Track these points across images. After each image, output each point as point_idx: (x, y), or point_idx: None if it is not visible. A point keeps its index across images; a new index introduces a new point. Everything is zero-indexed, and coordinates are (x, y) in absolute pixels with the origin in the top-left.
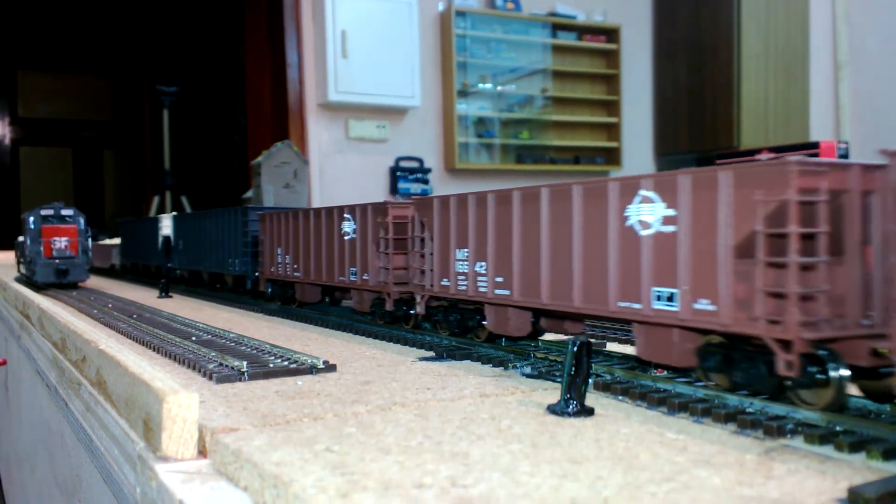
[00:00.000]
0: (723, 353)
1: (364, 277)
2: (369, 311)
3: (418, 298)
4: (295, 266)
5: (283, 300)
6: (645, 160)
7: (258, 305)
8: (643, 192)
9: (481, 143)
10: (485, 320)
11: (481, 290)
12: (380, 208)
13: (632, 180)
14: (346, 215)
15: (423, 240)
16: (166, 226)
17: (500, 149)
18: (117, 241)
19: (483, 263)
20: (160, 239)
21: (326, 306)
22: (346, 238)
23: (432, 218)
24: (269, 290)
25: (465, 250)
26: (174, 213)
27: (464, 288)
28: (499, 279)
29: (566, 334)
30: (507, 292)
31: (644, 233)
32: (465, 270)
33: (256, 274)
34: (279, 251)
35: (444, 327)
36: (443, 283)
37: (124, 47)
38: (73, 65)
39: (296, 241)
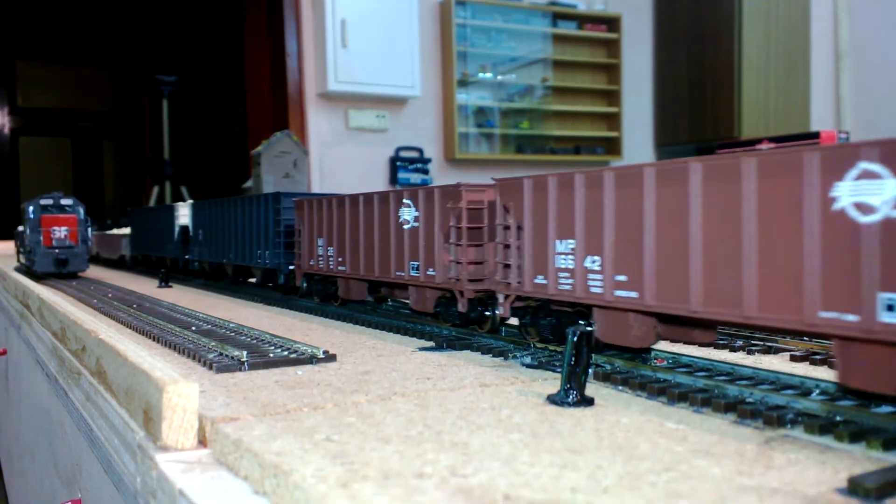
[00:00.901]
0: None
1: (429, 273)
2: (432, 312)
3: (501, 298)
4: (339, 259)
5: (322, 297)
6: (645, 150)
7: (289, 302)
8: (864, 165)
9: (481, 133)
10: (591, 325)
11: (594, 290)
12: (451, 192)
13: (844, 149)
14: (405, 201)
15: (507, 228)
16: (184, 214)
17: (501, 139)
18: (127, 231)
19: (596, 258)
20: (177, 229)
21: (372, 305)
22: (405, 227)
23: (521, 202)
24: (304, 285)
25: (570, 242)
26: (192, 200)
27: (567, 287)
28: (621, 278)
29: (691, 343)
30: (633, 294)
31: (865, 219)
32: (570, 266)
33: (290, 267)
34: (320, 242)
35: (534, 333)
36: (536, 280)
37: (123, 37)
38: (72, 55)
39: (341, 230)
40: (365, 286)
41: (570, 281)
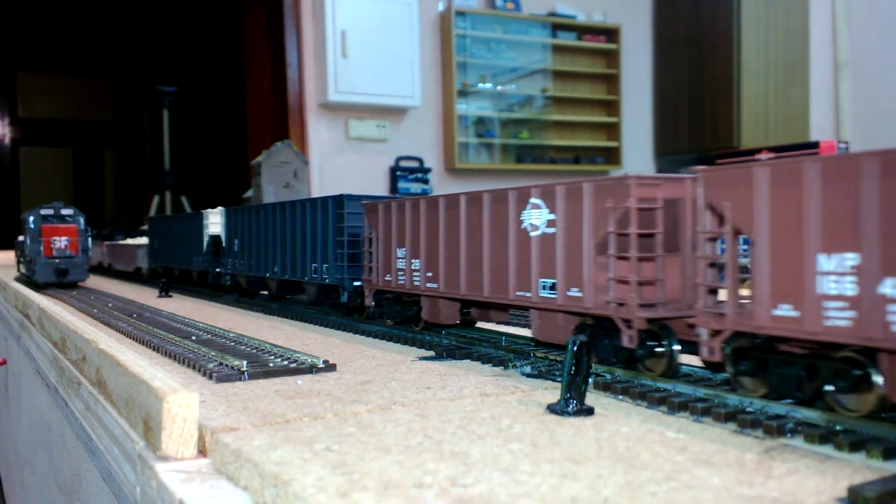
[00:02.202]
0: None
1: (571, 293)
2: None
3: (703, 334)
4: (429, 274)
5: (398, 320)
6: (645, 160)
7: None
8: None
9: (481, 143)
10: (880, 376)
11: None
12: (611, 188)
13: None
14: (534, 201)
15: (713, 240)
16: (215, 222)
17: (500, 149)
18: (143, 241)
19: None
20: (206, 238)
21: (458, 329)
22: (532, 234)
23: (750, 202)
24: (372, 305)
25: (848, 256)
26: (225, 207)
27: (842, 322)
28: None
29: None
30: None
31: None
32: (848, 292)
33: (356, 284)
34: (400, 253)
35: (768, 383)
36: (780, 312)
37: (124, 47)
38: (72, 65)
39: (431, 239)
40: (457, 307)
41: (847, 313)
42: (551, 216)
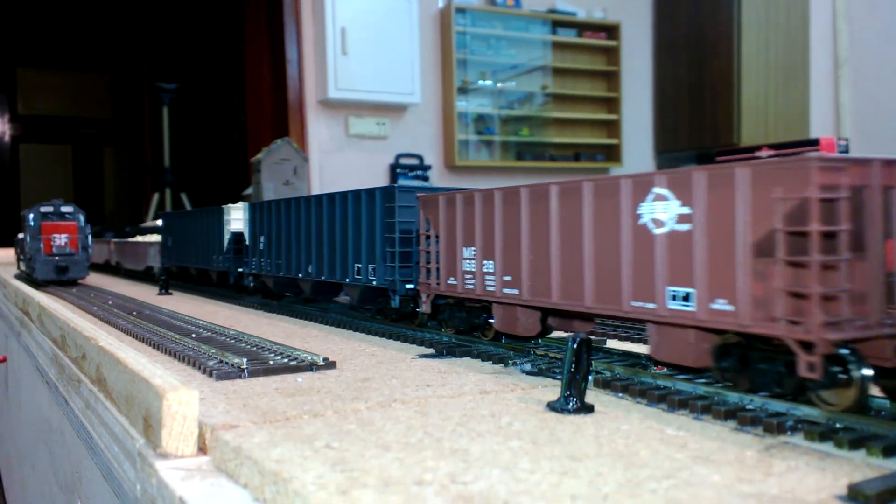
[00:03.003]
0: None
1: (717, 307)
2: (711, 367)
3: None
4: (507, 278)
5: (461, 328)
6: (645, 157)
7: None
8: None
9: (481, 140)
10: None
11: None
12: (782, 172)
13: None
14: (658, 190)
15: None
16: (237, 218)
17: (501, 146)
18: (155, 238)
19: None
20: (227, 236)
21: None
22: (655, 232)
23: None
24: (423, 311)
25: None
26: (247, 202)
27: None
28: None
29: None
30: None
31: None
32: None
33: (409, 287)
34: (468, 253)
35: None
36: None
37: (124, 44)
38: (72, 62)
39: (510, 237)
40: (538, 317)
41: None
42: (684, 209)
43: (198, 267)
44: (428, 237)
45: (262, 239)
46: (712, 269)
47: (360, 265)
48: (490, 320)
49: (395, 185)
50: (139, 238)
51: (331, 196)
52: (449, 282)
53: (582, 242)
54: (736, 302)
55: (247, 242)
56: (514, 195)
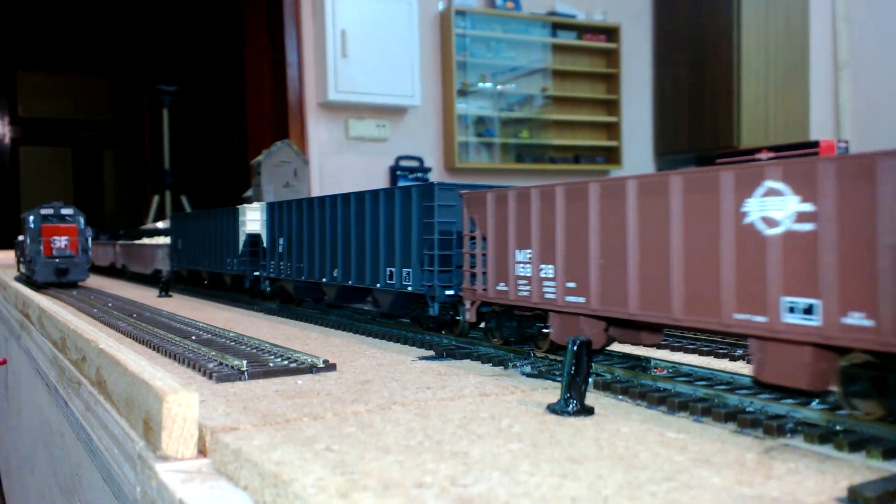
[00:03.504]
0: None
1: (853, 320)
2: (829, 390)
3: None
4: (570, 285)
5: (514, 339)
6: (645, 159)
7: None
8: None
9: (481, 143)
10: None
11: None
12: None
13: None
14: (771, 184)
15: None
16: (254, 219)
17: (500, 148)
18: (163, 240)
19: None
20: (242, 237)
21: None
22: (767, 233)
23: None
24: (468, 318)
25: None
26: (267, 202)
27: None
28: None
29: None
30: None
31: None
32: None
33: (449, 293)
34: (522, 256)
35: None
36: None
37: (124, 46)
38: (72, 64)
39: (574, 240)
40: (602, 327)
41: None
42: (805, 206)
43: (210, 270)
44: (473, 239)
45: (281, 241)
46: (845, 277)
47: (392, 269)
48: (545, 330)
49: (435, 182)
50: (146, 240)
51: (359, 195)
52: (498, 288)
53: (668, 245)
54: (877, 316)
55: (264, 244)
56: (579, 192)
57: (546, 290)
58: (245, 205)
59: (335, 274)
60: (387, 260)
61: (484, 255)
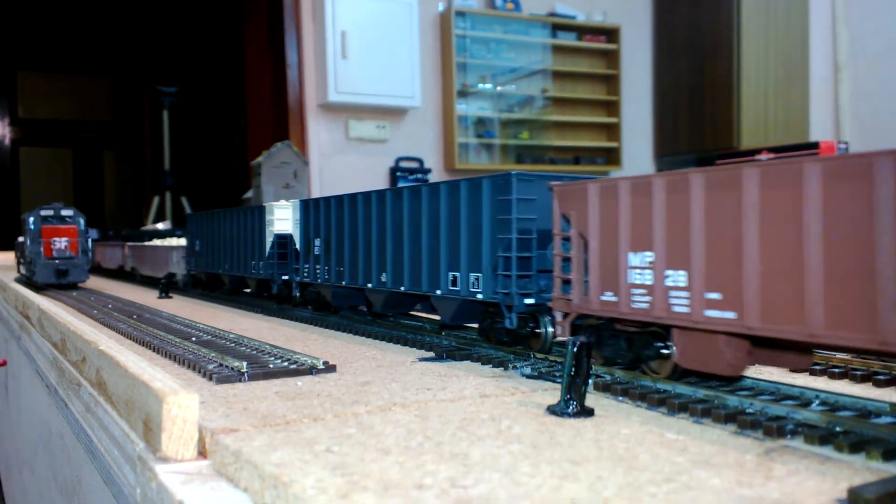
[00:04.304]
0: None
1: None
2: None
3: None
4: (711, 296)
5: (621, 359)
6: (645, 161)
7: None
8: None
9: (481, 144)
10: None
11: None
12: None
13: None
14: None
15: None
16: (283, 218)
17: (500, 149)
18: (178, 242)
19: None
20: (270, 239)
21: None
22: None
23: None
24: (559, 333)
25: None
26: (301, 199)
27: None
28: None
29: None
30: None
31: None
32: None
33: (528, 302)
34: (636, 260)
35: None
36: None
37: (124, 48)
38: (73, 65)
39: (721, 238)
40: (746, 348)
41: None
42: None
43: (232, 274)
44: (566, 239)
45: (317, 242)
46: None
47: (456, 274)
48: (664, 350)
49: (513, 172)
50: (158, 242)
51: (415, 189)
52: (603, 298)
53: (873, 246)
54: None
55: (296, 246)
56: (727, 180)
57: (674, 301)
58: (273, 203)
59: (383, 279)
60: (449, 263)
61: (584, 258)
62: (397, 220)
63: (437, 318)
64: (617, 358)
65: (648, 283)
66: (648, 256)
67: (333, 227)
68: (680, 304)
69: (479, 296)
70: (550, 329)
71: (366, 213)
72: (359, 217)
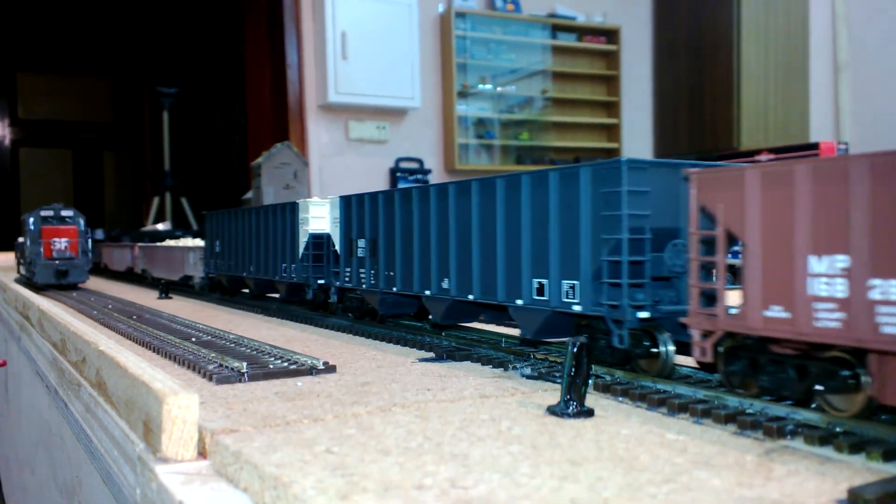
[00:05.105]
0: None
1: None
2: None
3: None
4: None
5: (788, 392)
6: None
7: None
8: None
9: (481, 145)
10: None
11: None
12: None
13: None
14: None
15: None
16: (319, 216)
17: (500, 150)
18: (194, 243)
19: None
20: (301, 239)
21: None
22: None
23: None
24: (698, 356)
25: None
26: (341, 195)
27: None
28: None
29: None
30: None
31: None
32: None
33: (642, 316)
34: (826, 267)
35: None
36: None
37: (124, 48)
38: (73, 66)
39: None
40: None
41: None
42: None
43: (258, 278)
44: (707, 242)
45: (360, 243)
46: None
47: (543, 281)
48: (853, 381)
49: (623, 158)
50: (171, 242)
51: (486, 182)
52: (769, 313)
53: None
54: None
55: (335, 247)
56: None
57: (884, 319)
58: (308, 200)
59: (445, 285)
60: (534, 268)
61: (740, 265)
62: (463, 217)
63: (512, 332)
64: (782, 389)
65: (841, 295)
66: (841, 261)
67: (381, 225)
68: (893, 324)
69: (576, 307)
70: (671, 348)
71: (422, 209)
72: (414, 214)
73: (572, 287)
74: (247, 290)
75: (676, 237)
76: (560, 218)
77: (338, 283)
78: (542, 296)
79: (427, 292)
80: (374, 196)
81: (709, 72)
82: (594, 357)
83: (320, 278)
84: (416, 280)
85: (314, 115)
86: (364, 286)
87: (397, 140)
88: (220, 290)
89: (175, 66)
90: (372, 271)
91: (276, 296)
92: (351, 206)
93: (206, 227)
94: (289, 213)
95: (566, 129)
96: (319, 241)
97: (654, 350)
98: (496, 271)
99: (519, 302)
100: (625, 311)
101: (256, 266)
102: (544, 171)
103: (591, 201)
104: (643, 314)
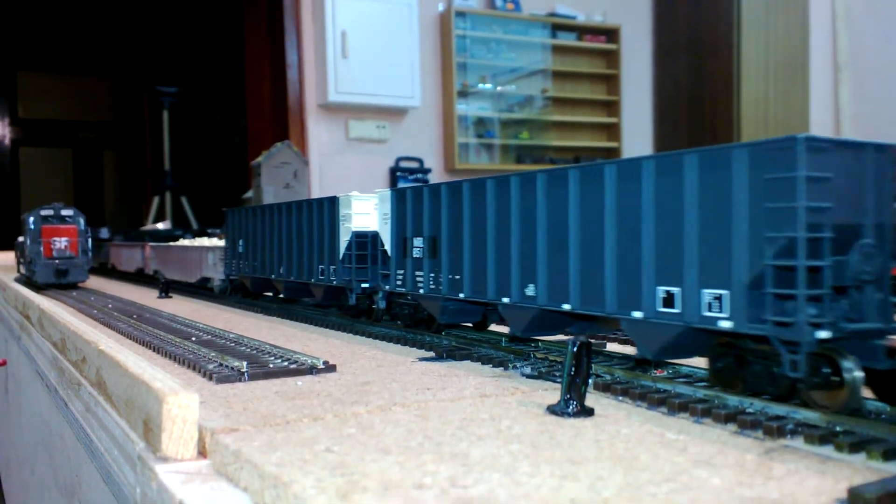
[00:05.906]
0: None
1: None
2: None
3: None
4: None
5: None
6: None
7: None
8: None
9: (481, 144)
10: None
11: None
12: None
13: None
14: None
15: None
16: (363, 212)
17: (500, 149)
18: (212, 242)
19: None
20: (342, 238)
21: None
22: None
23: None
24: None
25: None
26: (392, 188)
27: None
28: None
29: None
30: None
31: None
32: None
33: (823, 336)
34: None
35: None
36: None
37: (124, 48)
38: (73, 65)
39: None
40: None
41: None
42: None
43: (289, 280)
44: None
45: (417, 242)
46: None
47: (673, 290)
48: None
49: (798, 136)
50: (187, 242)
51: (588, 169)
52: None
53: None
54: None
55: (384, 247)
56: None
57: None
58: (349, 195)
59: (530, 292)
60: (659, 273)
61: None
62: (556, 211)
63: (629, 350)
64: None
65: None
66: None
67: (444, 222)
68: None
69: (725, 324)
70: (858, 374)
71: (500, 203)
72: (488, 209)
73: (717, 298)
74: (270, 294)
75: (860, 236)
76: (701, 211)
77: (387, 286)
78: (672, 307)
79: (505, 300)
80: (435, 188)
81: (709, 70)
82: (748, 384)
83: (364, 281)
84: (490, 285)
85: (314, 115)
86: (421, 291)
87: (397, 139)
88: (242, 293)
89: (175, 65)
90: (431, 274)
91: (311, 301)
92: (405, 201)
93: (226, 224)
94: (327, 209)
95: (566, 129)
96: (364, 240)
97: (835, 379)
98: (603, 276)
99: (637, 315)
100: (801, 331)
101: (287, 268)
102: (677, 153)
103: (750, 190)
104: (822, 334)
